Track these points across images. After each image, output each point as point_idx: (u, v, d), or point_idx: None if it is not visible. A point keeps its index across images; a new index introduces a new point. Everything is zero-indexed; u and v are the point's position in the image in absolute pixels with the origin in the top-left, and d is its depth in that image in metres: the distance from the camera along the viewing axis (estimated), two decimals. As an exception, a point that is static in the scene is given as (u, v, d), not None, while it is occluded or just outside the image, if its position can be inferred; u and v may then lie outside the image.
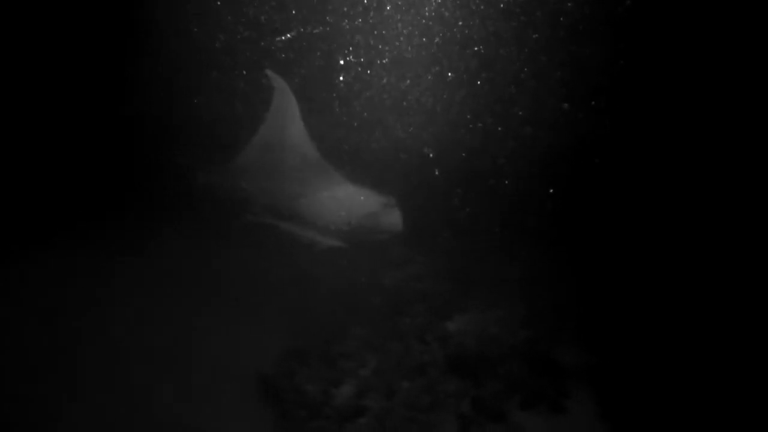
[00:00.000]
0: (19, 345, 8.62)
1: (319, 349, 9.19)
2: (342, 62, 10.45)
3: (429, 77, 10.56)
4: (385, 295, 10.69)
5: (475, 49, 10.30)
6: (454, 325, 9.88)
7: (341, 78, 10.51)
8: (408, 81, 10.61)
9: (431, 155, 10.85)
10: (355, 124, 10.78)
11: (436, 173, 10.98)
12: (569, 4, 9.84)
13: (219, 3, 10.66)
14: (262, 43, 10.78)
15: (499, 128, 10.77)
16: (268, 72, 8.31)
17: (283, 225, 9.04)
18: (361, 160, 10.55)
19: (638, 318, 9.47)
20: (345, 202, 8.49)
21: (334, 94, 10.69)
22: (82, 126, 11.96)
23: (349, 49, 10.35)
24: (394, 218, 8.23)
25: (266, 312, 9.97)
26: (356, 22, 10.24)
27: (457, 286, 10.82)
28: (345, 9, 10.20)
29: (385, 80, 10.52)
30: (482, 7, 9.98)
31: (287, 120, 8.46)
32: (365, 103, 10.62)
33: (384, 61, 10.44)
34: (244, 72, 10.87)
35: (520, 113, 10.62)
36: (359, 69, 10.48)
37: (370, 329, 9.73)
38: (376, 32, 10.27)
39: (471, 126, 10.78)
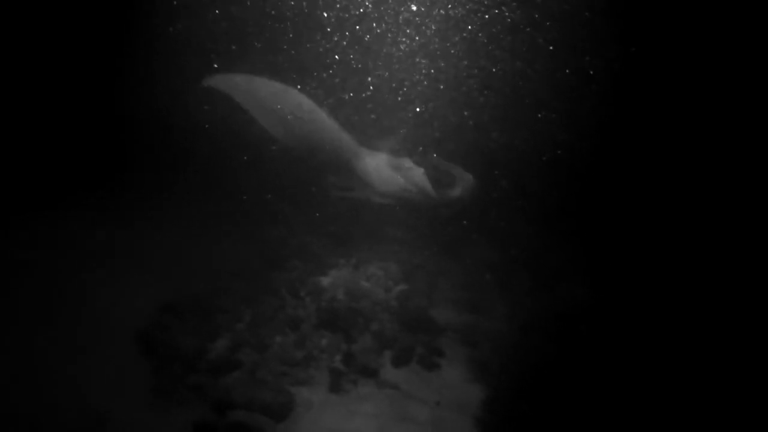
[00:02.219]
0: None
1: (195, 303, 8.90)
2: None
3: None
4: (262, 250, 10.55)
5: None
6: (328, 280, 9.89)
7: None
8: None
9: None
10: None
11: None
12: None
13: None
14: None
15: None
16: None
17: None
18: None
19: (517, 280, 9.87)
20: (383, 172, 8.21)
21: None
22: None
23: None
24: (421, 181, 7.97)
25: (145, 267, 9.55)
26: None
27: (332, 242, 10.84)
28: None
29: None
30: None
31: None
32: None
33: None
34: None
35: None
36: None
37: (246, 283, 9.58)
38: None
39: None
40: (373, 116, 10.32)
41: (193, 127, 10.90)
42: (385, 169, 7.90)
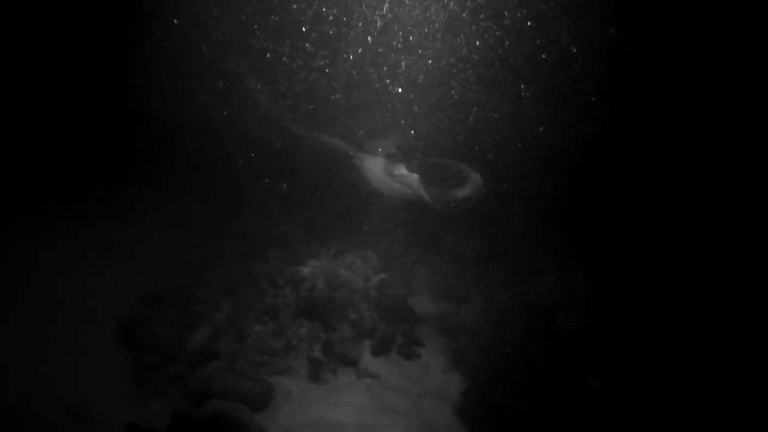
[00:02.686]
0: None
1: (175, 294, 8.86)
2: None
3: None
4: (242, 241, 10.51)
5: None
6: (307, 270, 9.85)
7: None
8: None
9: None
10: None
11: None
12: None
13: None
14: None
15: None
16: None
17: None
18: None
19: (497, 271, 9.87)
20: (379, 177, 8.32)
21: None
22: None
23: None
24: (416, 186, 8.00)
25: (125, 258, 9.48)
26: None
27: (312, 232, 10.80)
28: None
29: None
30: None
31: None
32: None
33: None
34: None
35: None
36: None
37: (226, 274, 9.53)
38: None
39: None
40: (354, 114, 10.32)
41: (186, 126, 10.78)
42: (381, 174, 7.98)
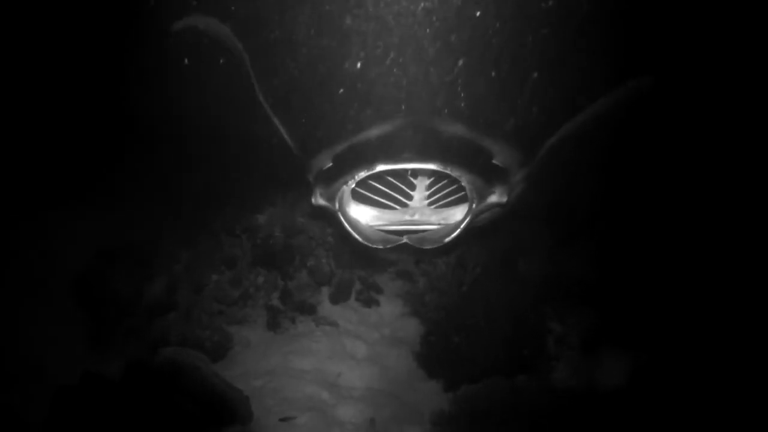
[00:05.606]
0: None
1: (134, 246, 8.70)
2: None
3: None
4: (199, 190, 10.21)
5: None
6: (264, 217, 9.71)
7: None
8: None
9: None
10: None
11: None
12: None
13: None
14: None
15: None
16: None
17: None
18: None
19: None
20: None
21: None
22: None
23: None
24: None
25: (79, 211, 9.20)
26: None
27: (270, 181, 10.61)
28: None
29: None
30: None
31: None
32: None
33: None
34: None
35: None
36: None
37: (185, 224, 9.32)
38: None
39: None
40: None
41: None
42: None
